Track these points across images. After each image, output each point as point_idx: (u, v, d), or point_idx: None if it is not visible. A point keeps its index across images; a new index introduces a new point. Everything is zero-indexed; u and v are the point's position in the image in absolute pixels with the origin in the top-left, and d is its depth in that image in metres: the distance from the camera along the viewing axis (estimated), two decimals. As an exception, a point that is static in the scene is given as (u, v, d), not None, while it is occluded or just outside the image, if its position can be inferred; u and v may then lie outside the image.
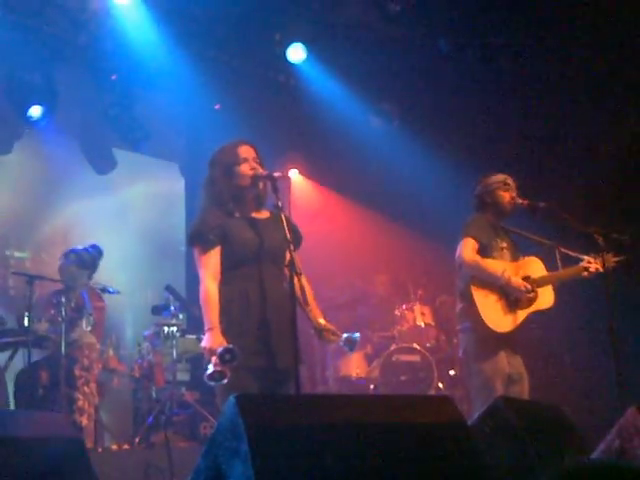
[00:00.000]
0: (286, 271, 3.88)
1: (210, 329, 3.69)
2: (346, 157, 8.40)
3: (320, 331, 3.87)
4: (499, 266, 4.81)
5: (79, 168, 8.05)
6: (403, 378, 7.31)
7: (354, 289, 8.24)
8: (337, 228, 8.95)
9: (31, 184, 7.76)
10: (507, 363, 4.76)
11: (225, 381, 3.53)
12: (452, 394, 6.96)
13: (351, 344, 3.87)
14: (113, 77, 7.39)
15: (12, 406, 5.91)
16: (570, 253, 4.97)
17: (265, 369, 3.77)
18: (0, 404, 5.87)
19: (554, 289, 4.97)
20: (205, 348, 3.64)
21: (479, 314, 4.72)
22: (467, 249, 4.77)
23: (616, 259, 4.86)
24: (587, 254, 4.92)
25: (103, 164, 8.15)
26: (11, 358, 6.15)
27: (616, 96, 6.82)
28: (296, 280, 3.66)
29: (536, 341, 6.58)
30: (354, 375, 7.57)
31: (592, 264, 4.85)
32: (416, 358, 7.37)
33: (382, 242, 8.54)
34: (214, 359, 3.54)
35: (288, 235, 3.73)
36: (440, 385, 7.36)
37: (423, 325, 7.57)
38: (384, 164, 8.05)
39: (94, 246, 6.50)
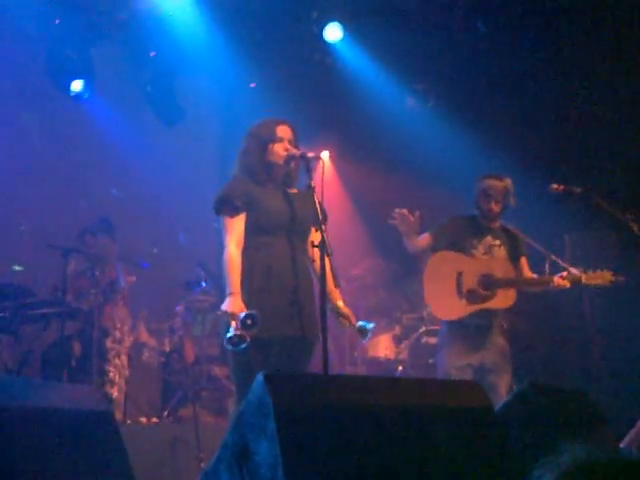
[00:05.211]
0: (309, 248, 3.90)
1: (232, 293, 3.69)
2: (380, 137, 8.35)
3: (337, 314, 3.91)
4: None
5: (114, 142, 8.11)
6: (431, 361, 7.29)
7: (385, 271, 8.20)
8: (370, 209, 8.92)
9: (74, 157, 7.84)
10: (465, 354, 4.85)
11: (243, 346, 3.53)
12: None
13: (363, 333, 3.88)
14: (152, 54, 7.41)
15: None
16: (560, 262, 4.99)
17: (291, 338, 3.78)
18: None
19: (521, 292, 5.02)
20: (226, 312, 3.63)
21: (429, 302, 5.07)
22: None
23: (612, 279, 4.78)
24: (577, 269, 4.86)
25: (138, 140, 8.20)
26: (44, 329, 6.23)
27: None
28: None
29: (566, 327, 6.53)
30: (382, 356, 7.57)
31: (559, 280, 4.82)
32: (445, 341, 7.35)
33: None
34: (234, 323, 3.55)
35: (320, 215, 3.73)
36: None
37: (453, 308, 7.53)
38: (419, 145, 7.99)
39: (105, 219, 6.57)
